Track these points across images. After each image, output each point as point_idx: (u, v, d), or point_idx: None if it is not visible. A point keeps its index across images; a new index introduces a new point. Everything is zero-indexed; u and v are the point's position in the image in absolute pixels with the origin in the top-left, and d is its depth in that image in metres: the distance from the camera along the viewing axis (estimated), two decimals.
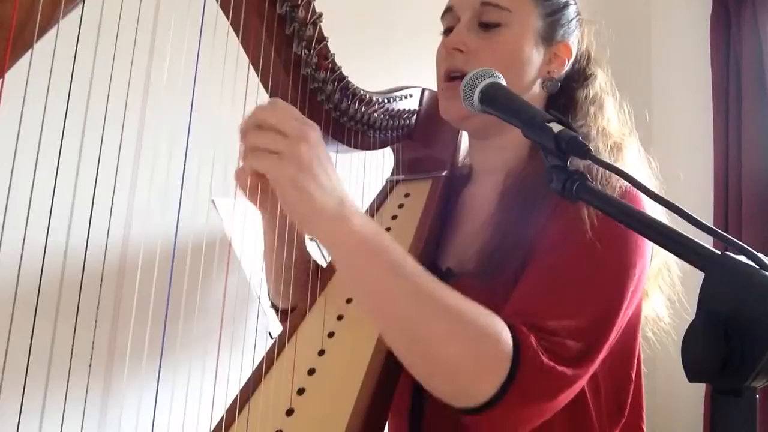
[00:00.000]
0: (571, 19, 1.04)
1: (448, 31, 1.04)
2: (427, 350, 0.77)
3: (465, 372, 0.76)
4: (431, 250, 1.02)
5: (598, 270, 0.84)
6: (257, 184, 0.85)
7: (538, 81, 1.02)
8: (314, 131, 0.76)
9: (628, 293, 0.85)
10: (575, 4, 1.06)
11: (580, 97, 1.03)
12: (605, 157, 0.93)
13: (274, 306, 1.17)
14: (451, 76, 1.00)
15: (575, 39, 1.05)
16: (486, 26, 0.99)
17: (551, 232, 0.87)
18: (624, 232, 0.83)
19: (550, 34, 1.01)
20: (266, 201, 0.96)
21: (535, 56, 1.00)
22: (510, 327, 0.77)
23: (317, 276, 1.07)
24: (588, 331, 0.81)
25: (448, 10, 1.04)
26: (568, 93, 1.04)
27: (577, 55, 1.05)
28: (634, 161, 1.00)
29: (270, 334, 1.59)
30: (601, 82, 1.05)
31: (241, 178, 0.85)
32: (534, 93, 1.01)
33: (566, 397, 0.80)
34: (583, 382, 0.82)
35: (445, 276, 0.98)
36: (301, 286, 1.06)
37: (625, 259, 0.85)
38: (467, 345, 0.76)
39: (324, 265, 1.14)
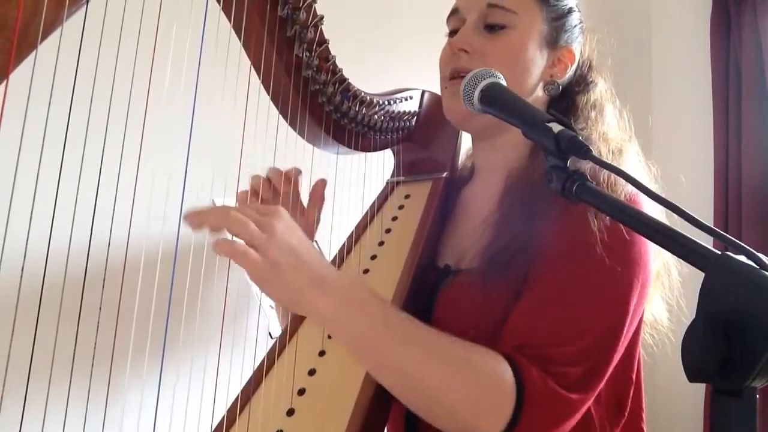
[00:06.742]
0: (575, 26, 1.04)
1: (453, 33, 1.04)
2: (428, 399, 0.78)
3: (469, 416, 0.77)
4: (430, 252, 1.02)
5: (600, 289, 0.83)
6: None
7: (541, 84, 1.02)
8: (281, 220, 0.73)
9: (631, 309, 0.84)
10: (579, 11, 1.06)
11: (581, 102, 1.03)
12: (607, 161, 0.93)
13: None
14: (455, 77, 1.00)
15: (578, 45, 1.05)
16: (491, 28, 0.99)
17: (557, 241, 0.86)
18: (628, 243, 0.83)
19: (555, 39, 1.01)
20: None
21: (539, 59, 1.00)
22: (510, 361, 0.78)
23: None
24: (591, 354, 0.81)
25: (454, 11, 1.04)
26: (569, 97, 1.04)
27: (579, 61, 1.06)
28: (634, 166, 1.00)
29: (270, 334, 1.59)
30: (601, 89, 1.05)
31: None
32: (536, 96, 1.01)
33: (574, 421, 0.81)
34: (589, 404, 0.82)
35: (443, 273, 0.98)
36: None
37: (629, 271, 0.84)
38: (467, 390, 0.77)
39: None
